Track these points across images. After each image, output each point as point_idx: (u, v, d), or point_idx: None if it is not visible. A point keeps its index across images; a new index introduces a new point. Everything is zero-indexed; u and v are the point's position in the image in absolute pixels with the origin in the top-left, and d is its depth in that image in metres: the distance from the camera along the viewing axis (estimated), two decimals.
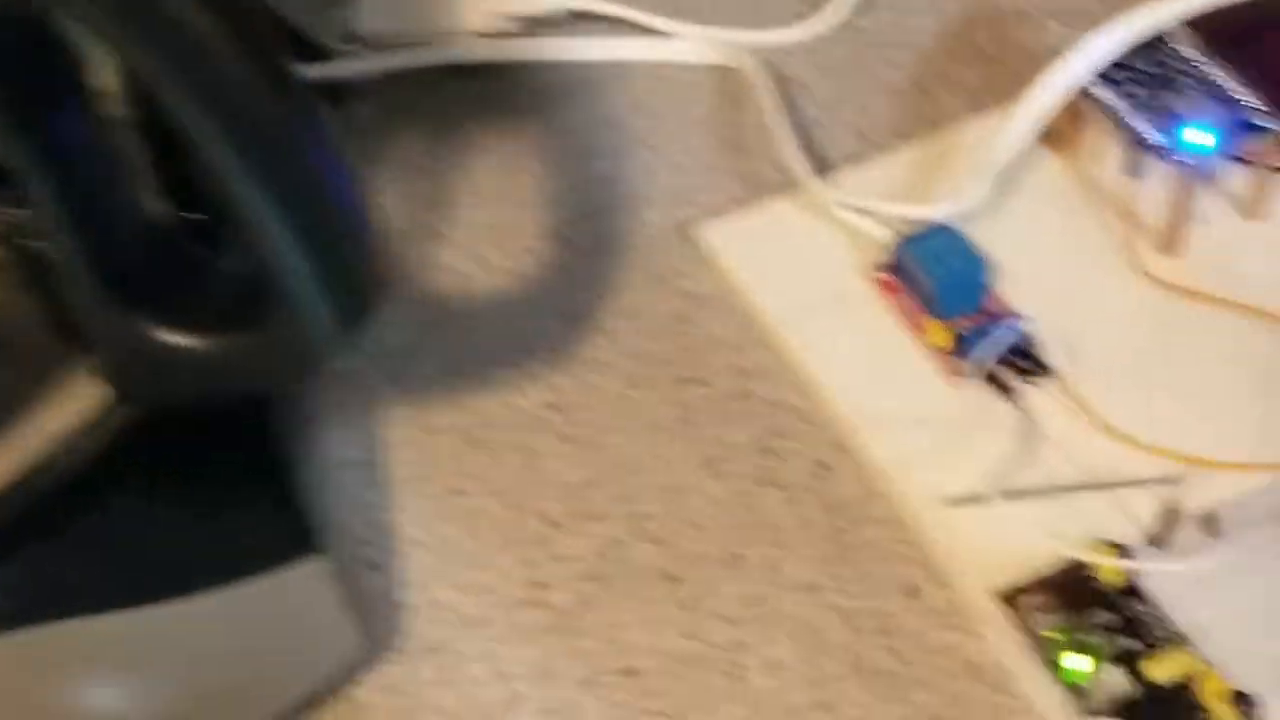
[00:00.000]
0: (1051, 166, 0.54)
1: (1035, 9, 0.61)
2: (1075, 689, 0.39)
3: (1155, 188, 0.50)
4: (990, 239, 0.51)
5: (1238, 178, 0.50)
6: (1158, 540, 0.42)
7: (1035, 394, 0.47)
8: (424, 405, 0.50)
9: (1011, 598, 0.41)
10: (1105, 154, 0.52)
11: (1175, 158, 0.48)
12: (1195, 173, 0.48)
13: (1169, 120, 0.49)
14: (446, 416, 0.50)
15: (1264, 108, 0.49)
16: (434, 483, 0.48)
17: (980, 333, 0.47)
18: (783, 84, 0.60)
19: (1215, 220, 0.51)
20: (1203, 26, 0.56)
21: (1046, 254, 0.51)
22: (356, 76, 0.61)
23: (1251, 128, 0.48)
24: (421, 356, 0.52)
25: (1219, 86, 0.50)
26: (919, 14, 0.62)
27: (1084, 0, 0.60)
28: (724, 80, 0.61)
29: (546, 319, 0.53)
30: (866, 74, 0.60)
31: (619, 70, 0.62)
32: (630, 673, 0.43)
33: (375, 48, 0.62)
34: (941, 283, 0.48)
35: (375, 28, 0.61)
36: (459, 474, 0.48)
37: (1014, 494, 0.43)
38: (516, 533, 0.47)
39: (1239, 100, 0.49)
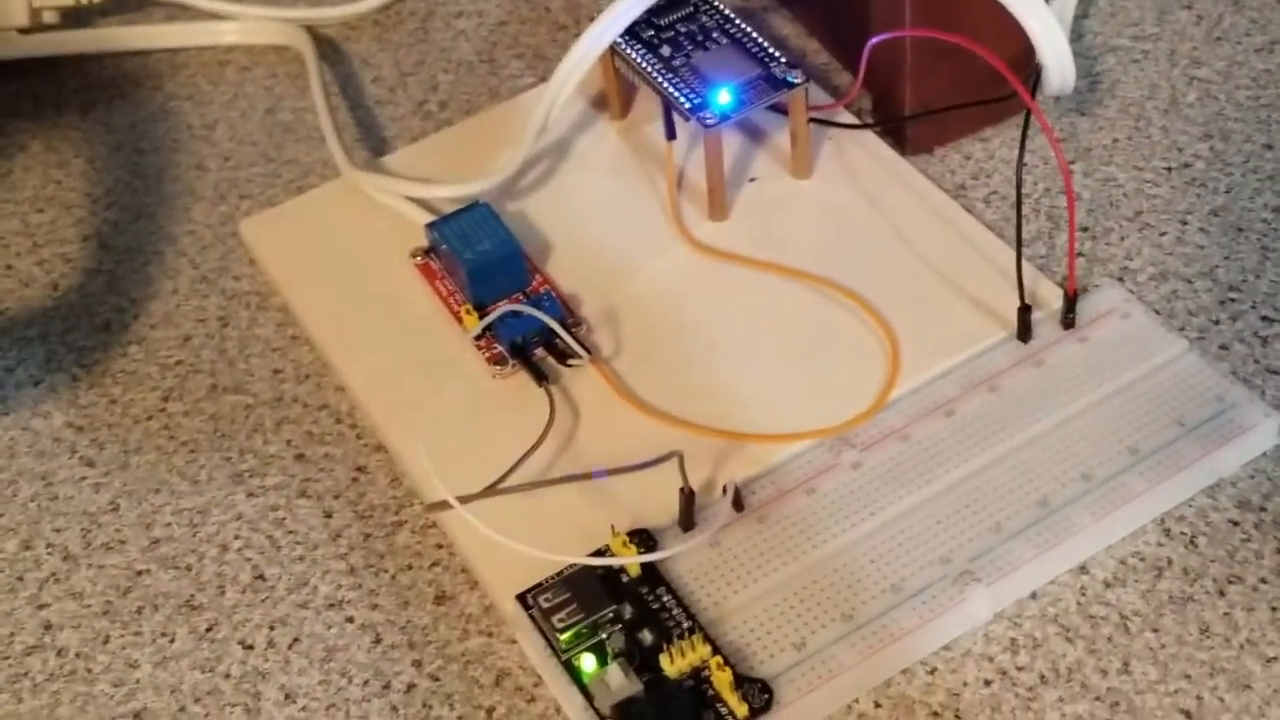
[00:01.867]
0: (608, 135, 0.51)
1: None
2: (585, 690, 0.37)
3: (700, 152, 0.48)
4: (539, 212, 0.49)
5: (788, 136, 0.48)
6: (683, 522, 0.40)
7: (573, 377, 0.44)
8: None
9: (532, 599, 0.39)
10: (657, 117, 0.50)
11: (701, 118, 0.45)
12: (719, 134, 0.46)
13: (697, 80, 0.47)
14: None
15: (788, 61, 0.47)
16: None
17: (512, 315, 0.44)
18: (346, 62, 0.57)
19: (767, 179, 0.49)
20: None
21: (596, 225, 0.48)
22: None
23: (780, 83, 0.46)
24: None
25: (749, 41, 0.48)
26: None
27: None
28: (282, 61, 0.57)
29: (79, 331, 0.49)
30: (435, 48, 0.57)
31: (175, 58, 0.58)
32: (139, 715, 0.40)
33: None
34: (472, 265, 0.45)
35: None
36: None
37: (536, 484, 0.41)
38: (29, 571, 0.43)
39: (769, 54, 0.47)
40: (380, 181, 0.50)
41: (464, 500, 0.38)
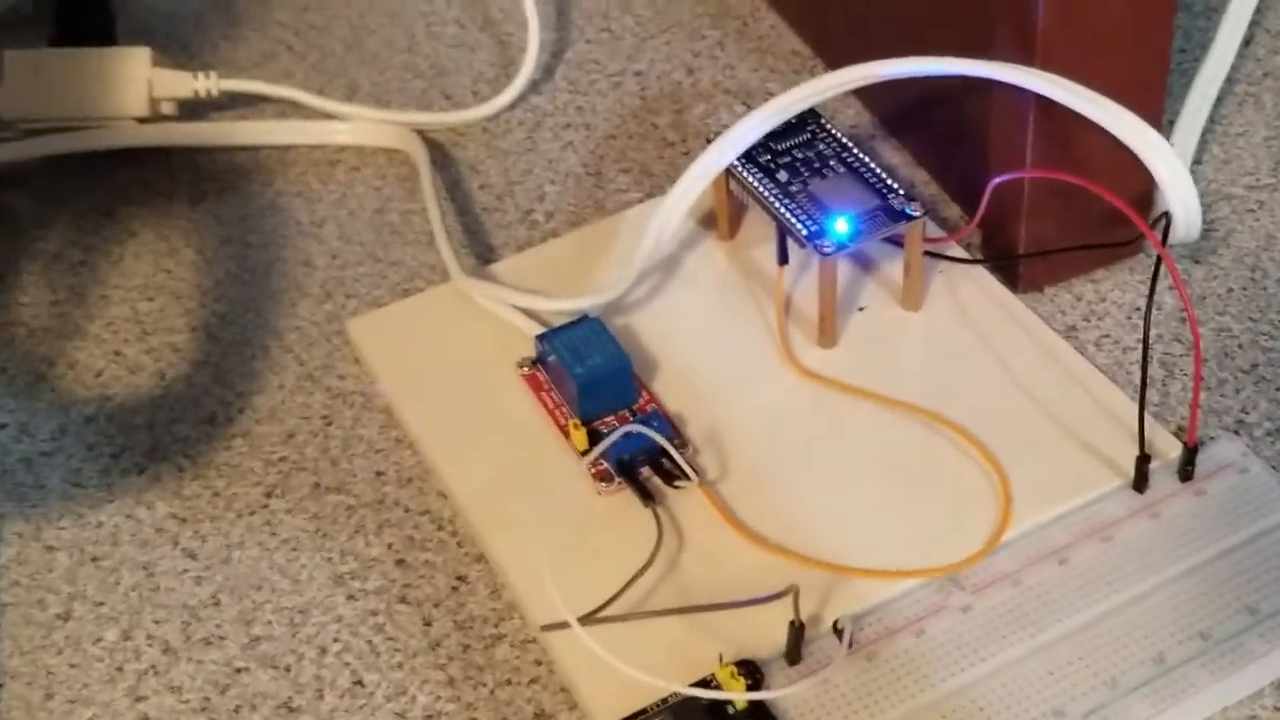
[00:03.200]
0: (716, 255, 0.52)
1: (717, 90, 0.60)
2: None
3: (810, 277, 0.48)
4: (646, 329, 0.49)
5: (899, 267, 0.48)
6: (790, 656, 0.40)
7: (678, 499, 0.44)
8: (42, 520, 0.46)
9: None
10: (765, 239, 0.50)
11: (818, 246, 0.46)
12: (835, 263, 0.46)
13: (814, 207, 0.47)
14: (66, 531, 0.46)
15: (905, 193, 0.47)
16: (45, 607, 0.44)
17: (623, 435, 0.44)
18: (455, 167, 0.57)
19: (875, 308, 0.49)
20: (877, 103, 0.55)
21: (703, 347, 0.48)
22: (4, 163, 0.58)
23: (899, 215, 0.46)
24: (44, 466, 0.48)
25: (866, 170, 0.48)
26: (599, 94, 0.60)
27: (766, 84, 0.59)
28: (392, 164, 0.58)
29: (184, 423, 0.49)
30: (543, 157, 0.58)
31: (285, 154, 0.59)
32: None
33: (25, 134, 0.58)
34: (582, 379, 0.45)
35: (20, 112, 0.57)
36: (71, 596, 0.44)
37: (646, 611, 0.40)
38: (128, 662, 0.43)
39: (887, 185, 0.47)
40: (489, 290, 0.50)
41: (580, 621, 0.38)
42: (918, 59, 0.46)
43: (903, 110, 0.55)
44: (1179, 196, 0.44)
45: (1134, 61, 0.46)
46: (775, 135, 0.50)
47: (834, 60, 0.56)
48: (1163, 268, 0.43)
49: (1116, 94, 0.45)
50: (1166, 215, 0.44)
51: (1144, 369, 0.43)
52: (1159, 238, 0.43)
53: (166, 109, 0.59)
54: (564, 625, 0.38)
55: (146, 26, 0.64)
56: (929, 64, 0.46)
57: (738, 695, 0.38)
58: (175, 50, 0.62)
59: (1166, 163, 0.44)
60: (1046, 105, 0.45)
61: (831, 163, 0.49)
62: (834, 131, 0.50)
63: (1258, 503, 0.42)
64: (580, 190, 0.57)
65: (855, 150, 0.49)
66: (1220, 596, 0.40)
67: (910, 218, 0.47)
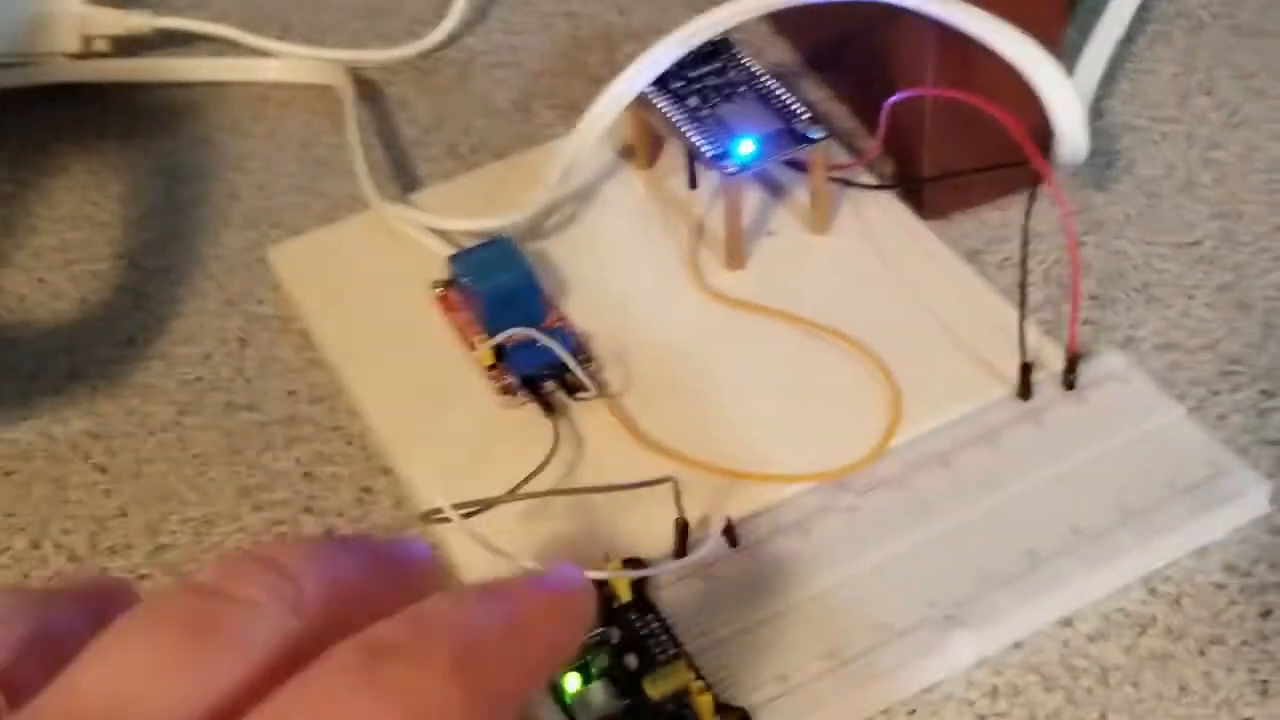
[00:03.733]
0: (634, 183, 0.53)
1: (648, 30, 0.60)
2: (568, 709, 0.37)
3: (721, 201, 0.49)
4: (561, 254, 0.50)
5: (808, 194, 0.49)
6: (676, 553, 0.41)
7: (582, 412, 0.45)
8: None
9: None
10: (681, 168, 0.51)
11: (722, 167, 0.46)
12: (739, 184, 0.47)
13: (721, 130, 0.48)
14: None
15: (810, 117, 0.48)
16: None
17: (525, 346, 0.45)
18: (385, 103, 0.58)
19: (782, 233, 0.50)
20: (800, 39, 0.56)
21: (615, 269, 0.49)
22: None
23: (802, 137, 0.47)
24: None
25: (774, 96, 0.49)
26: (530, 33, 0.61)
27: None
28: (323, 101, 0.59)
29: (103, 345, 0.50)
30: (471, 93, 0.59)
31: (216, 91, 0.60)
32: None
33: None
34: (489, 296, 0.46)
35: None
36: None
37: (526, 496, 0.41)
38: (35, 569, 0.44)
39: (792, 110, 0.48)
40: (406, 214, 0.51)
41: (460, 509, 0.38)
42: None
43: (822, 46, 0.56)
44: (1064, 116, 0.45)
45: None
46: (690, 64, 0.51)
47: None
48: (1070, 191, 0.43)
49: (1015, 19, 0.45)
50: (1051, 135, 0.45)
51: (1023, 274, 0.44)
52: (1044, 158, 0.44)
53: (100, 46, 0.60)
54: (440, 514, 0.39)
55: None
56: None
57: (615, 574, 0.39)
58: None
59: (1053, 83, 0.45)
60: (947, 31, 0.46)
61: (741, 89, 0.50)
62: (746, 61, 0.51)
63: (1137, 410, 0.43)
64: (508, 126, 0.58)
65: (765, 78, 0.50)
66: (1094, 495, 0.41)
67: (812, 140, 0.48)
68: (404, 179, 0.55)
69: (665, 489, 0.40)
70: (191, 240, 0.54)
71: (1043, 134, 0.46)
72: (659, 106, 0.50)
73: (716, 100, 0.50)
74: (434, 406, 0.46)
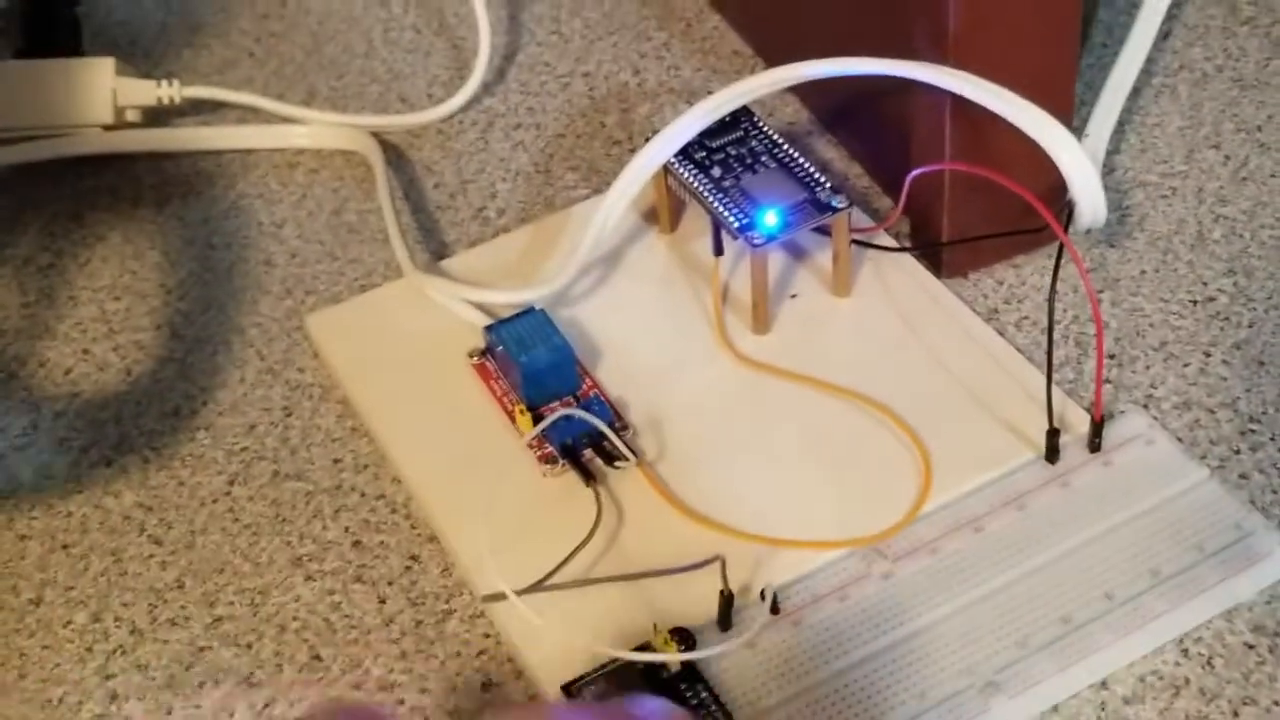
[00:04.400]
0: (658, 248, 0.54)
1: (662, 90, 0.62)
2: None
3: (746, 267, 0.51)
4: (590, 318, 0.51)
5: (830, 256, 0.51)
6: (721, 623, 0.42)
7: (619, 479, 0.47)
8: (14, 511, 0.49)
9: (573, 690, 0.41)
10: (704, 232, 0.52)
11: (749, 238, 0.48)
12: (765, 254, 0.49)
13: (745, 201, 0.50)
14: (37, 521, 0.49)
15: (832, 186, 0.49)
16: (18, 593, 0.47)
17: (564, 418, 0.47)
18: (410, 168, 0.60)
19: (805, 296, 0.52)
20: (813, 100, 0.58)
21: (644, 334, 0.51)
22: None
23: (825, 206, 0.49)
24: (16, 460, 0.50)
25: (796, 165, 0.50)
26: (547, 95, 0.63)
27: (709, 83, 0.61)
28: (349, 166, 0.60)
29: (150, 416, 0.52)
30: (495, 156, 0.60)
31: (246, 158, 0.61)
32: None
33: None
34: (527, 368, 0.48)
35: None
36: (42, 582, 0.47)
37: (586, 582, 0.43)
38: (98, 643, 0.46)
39: (814, 179, 0.50)
40: (440, 284, 0.53)
41: (520, 592, 0.40)
42: (838, 60, 0.49)
43: (836, 108, 0.58)
44: (1082, 184, 0.46)
45: (1042, 59, 0.48)
46: (710, 133, 0.52)
47: (773, 60, 0.59)
48: (1085, 249, 0.45)
49: (1027, 90, 0.47)
50: (1070, 202, 0.47)
51: (1049, 344, 0.46)
52: (1063, 224, 0.45)
53: (131, 116, 0.61)
54: (503, 596, 0.40)
55: (111, 37, 0.67)
56: (848, 64, 0.49)
57: (670, 657, 0.41)
58: (139, 59, 0.64)
59: (1069, 152, 0.46)
60: (962, 102, 0.48)
61: (763, 158, 0.52)
62: (766, 129, 0.53)
63: (1162, 471, 0.45)
64: (530, 187, 0.59)
65: (786, 146, 0.52)
66: (1124, 560, 0.43)
67: (835, 209, 0.50)
68: (433, 244, 0.57)
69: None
70: (229, 309, 0.56)
71: (1060, 191, 0.48)
72: (684, 175, 0.51)
73: (739, 170, 0.51)
74: (475, 475, 0.48)
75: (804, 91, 0.59)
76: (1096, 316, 0.45)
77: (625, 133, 0.61)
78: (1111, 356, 0.49)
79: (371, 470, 0.50)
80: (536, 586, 0.42)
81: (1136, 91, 0.57)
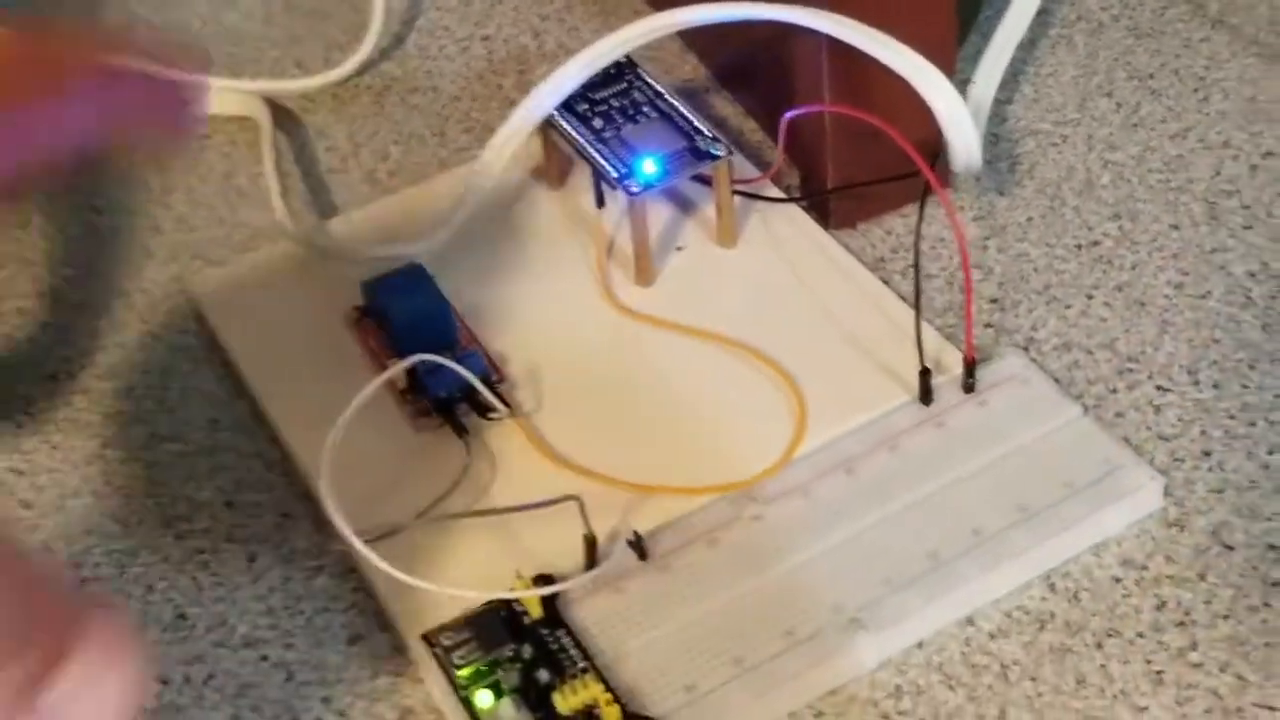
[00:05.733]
0: (545, 204, 0.53)
1: (562, 52, 0.61)
2: None
3: (628, 219, 0.50)
4: (475, 276, 0.51)
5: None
6: (586, 569, 0.41)
7: (495, 432, 0.46)
8: None
9: (435, 638, 0.40)
10: (591, 191, 0.52)
11: (626, 186, 0.47)
12: (644, 202, 0.48)
13: (625, 151, 0.49)
14: None
15: (713, 135, 0.49)
16: None
17: (436, 371, 0.46)
18: (302, 132, 0.59)
19: (691, 248, 0.51)
20: (709, 56, 0.57)
21: (528, 289, 0.50)
22: None
23: (704, 155, 0.48)
24: None
25: (677, 115, 0.50)
26: (446, 59, 0.62)
27: None
28: (242, 131, 0.60)
29: (26, 381, 0.51)
30: (389, 120, 0.59)
31: None
32: None
33: None
34: (400, 321, 0.47)
35: None
36: None
37: (455, 532, 0.42)
38: None
39: (695, 128, 0.49)
40: (320, 241, 0.52)
41: (366, 539, 0.39)
42: (714, 5, 0.48)
43: (728, 62, 0.57)
44: (953, 125, 0.46)
45: (920, 4, 0.48)
46: (594, 86, 0.52)
47: None
48: (975, 196, 0.44)
49: (906, 36, 0.46)
50: (943, 145, 0.46)
51: (916, 281, 0.46)
52: (931, 168, 0.45)
53: None
54: (363, 543, 0.39)
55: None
56: (724, 10, 0.48)
57: (528, 593, 0.40)
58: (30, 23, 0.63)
59: (941, 93, 0.46)
60: (839, 46, 0.47)
61: (645, 109, 0.51)
62: (650, 81, 0.52)
63: (1036, 410, 0.44)
64: (424, 150, 0.58)
65: (669, 98, 0.51)
66: (994, 497, 0.42)
67: (715, 157, 0.49)
68: (322, 207, 0.56)
69: (574, 506, 0.41)
70: (113, 275, 0.55)
71: (935, 144, 0.47)
72: (565, 128, 0.50)
73: (621, 121, 0.51)
74: (349, 431, 0.47)
75: (700, 47, 0.59)
76: (964, 255, 0.45)
77: (522, 94, 0.60)
78: (994, 301, 0.48)
79: (249, 431, 0.49)
80: (401, 530, 0.41)
81: (1033, 42, 0.56)
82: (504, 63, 0.61)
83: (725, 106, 0.58)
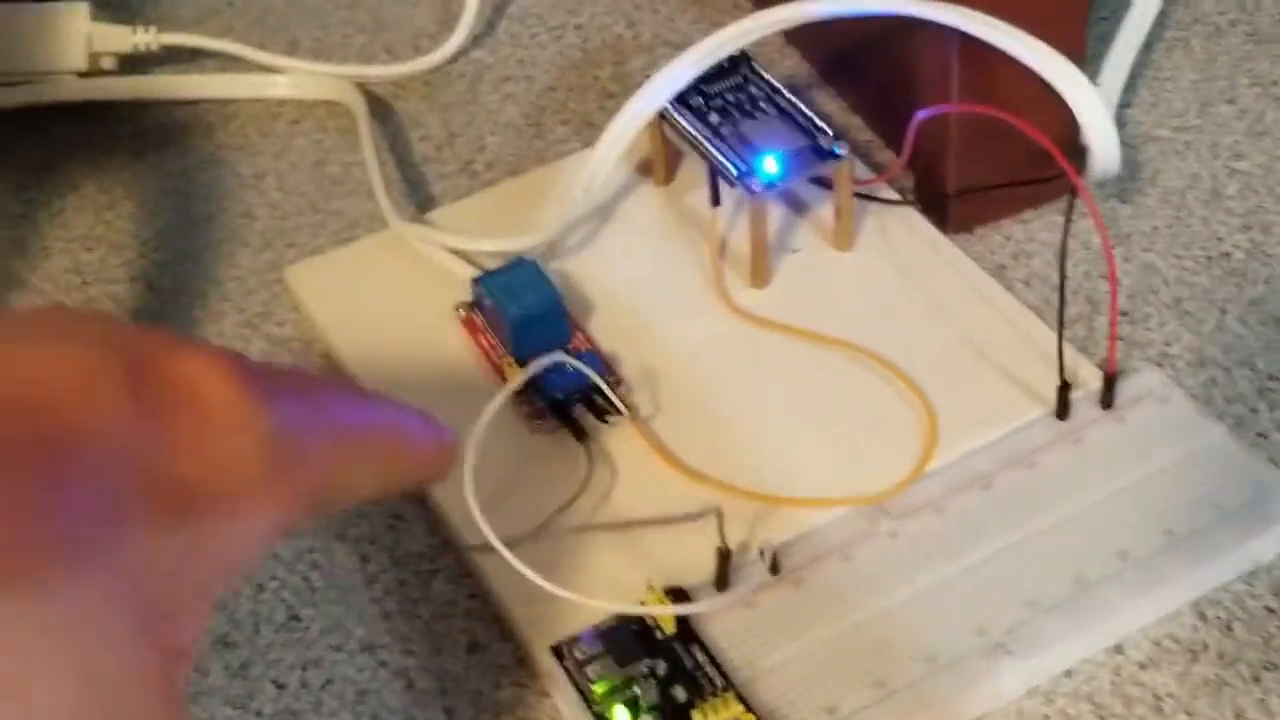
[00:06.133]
0: (652, 200, 0.52)
1: (658, 42, 0.60)
2: None
3: (745, 220, 0.49)
4: (582, 273, 0.49)
5: (831, 210, 0.49)
6: (718, 582, 0.40)
7: (612, 435, 0.44)
8: None
9: (565, 650, 0.39)
10: (701, 184, 0.50)
11: (748, 184, 0.46)
12: (765, 202, 0.47)
13: (744, 147, 0.48)
14: None
15: (834, 133, 0.47)
16: None
17: (554, 369, 0.45)
18: (395, 120, 0.58)
19: (808, 250, 0.50)
20: (813, 52, 0.56)
21: (638, 288, 0.49)
22: None
23: (827, 154, 0.47)
24: None
25: (796, 111, 0.48)
26: (538, 47, 0.60)
27: (707, 36, 0.59)
28: (332, 117, 0.58)
29: None
30: (483, 109, 0.58)
31: (226, 108, 0.59)
32: None
33: None
34: (516, 319, 0.46)
35: None
36: None
37: (578, 540, 0.41)
38: None
39: (815, 125, 0.48)
40: (427, 234, 0.51)
41: (508, 543, 0.38)
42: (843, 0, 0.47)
43: (837, 58, 0.56)
44: (1096, 129, 0.45)
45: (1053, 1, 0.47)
46: (708, 79, 0.50)
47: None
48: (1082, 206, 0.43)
49: (1037, 32, 0.45)
50: (1083, 150, 0.45)
51: (1061, 296, 0.44)
52: (1076, 171, 0.43)
53: (106, 63, 0.59)
54: (489, 547, 0.38)
55: None
56: (853, 4, 0.46)
57: (664, 610, 0.39)
58: (115, 5, 0.62)
59: (1084, 95, 0.44)
60: (971, 43, 0.46)
61: (762, 105, 0.50)
62: (765, 75, 0.51)
63: (1177, 429, 0.43)
64: (520, 141, 0.57)
65: (786, 93, 0.50)
66: (1138, 519, 0.41)
67: (837, 156, 0.48)
68: (418, 197, 0.55)
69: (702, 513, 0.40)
70: (206, 261, 0.54)
71: (1069, 143, 0.46)
72: (680, 123, 0.49)
73: (737, 116, 0.49)
74: (460, 432, 0.45)
75: (804, 43, 0.57)
76: (1111, 266, 0.43)
77: (619, 86, 0.59)
78: (1124, 313, 0.47)
79: None
80: (527, 537, 0.40)
81: (1149, 45, 0.55)
82: (599, 52, 0.60)
83: (829, 103, 0.56)
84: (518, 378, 0.44)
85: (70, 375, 0.25)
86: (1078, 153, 0.45)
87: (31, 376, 0.25)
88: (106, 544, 0.24)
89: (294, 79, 0.59)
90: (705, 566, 0.41)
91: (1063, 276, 0.44)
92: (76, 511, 0.24)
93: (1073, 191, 0.43)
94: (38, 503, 0.23)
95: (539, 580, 0.38)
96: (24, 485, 0.23)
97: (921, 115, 0.46)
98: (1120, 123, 0.53)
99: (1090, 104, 0.44)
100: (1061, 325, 0.43)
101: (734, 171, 0.47)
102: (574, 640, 0.40)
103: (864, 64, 0.54)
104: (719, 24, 0.57)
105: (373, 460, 0.32)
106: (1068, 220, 0.43)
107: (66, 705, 0.22)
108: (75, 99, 0.59)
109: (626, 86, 0.59)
